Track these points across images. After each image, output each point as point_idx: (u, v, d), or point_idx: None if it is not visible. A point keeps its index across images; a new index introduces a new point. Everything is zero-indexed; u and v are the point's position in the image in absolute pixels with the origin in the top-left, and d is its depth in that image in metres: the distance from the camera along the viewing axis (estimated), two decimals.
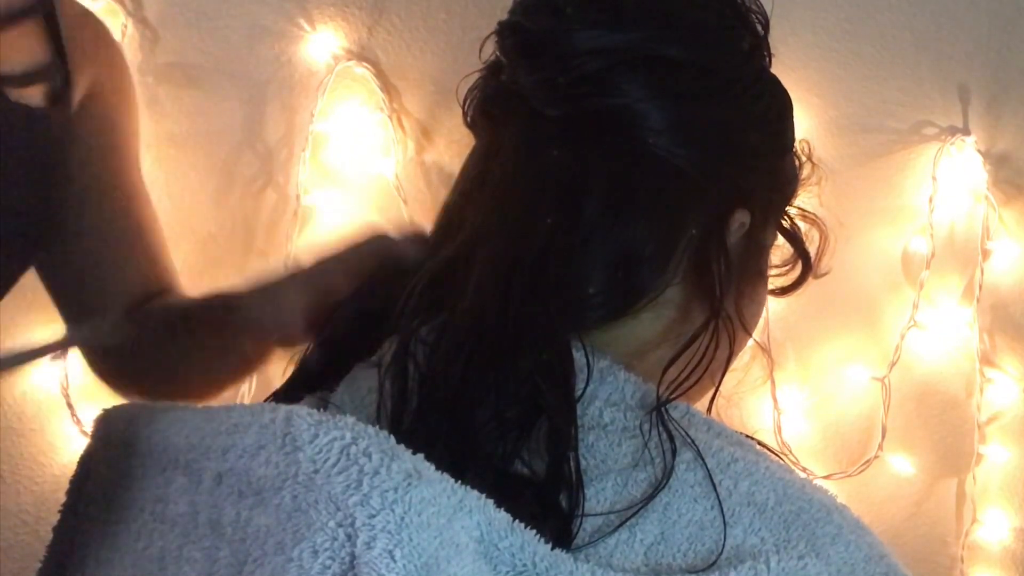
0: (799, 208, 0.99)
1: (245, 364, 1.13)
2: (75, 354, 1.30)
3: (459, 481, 0.76)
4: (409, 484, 0.73)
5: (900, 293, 1.46)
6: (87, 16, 1.13)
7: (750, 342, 0.99)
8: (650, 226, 0.88)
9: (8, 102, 0.98)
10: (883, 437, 1.44)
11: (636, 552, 0.82)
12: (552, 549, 0.78)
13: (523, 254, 0.86)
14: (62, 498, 0.94)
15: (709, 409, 0.93)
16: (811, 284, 1.01)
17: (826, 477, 1.44)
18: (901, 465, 1.46)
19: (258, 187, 1.23)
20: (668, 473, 0.84)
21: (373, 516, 0.72)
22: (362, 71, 1.41)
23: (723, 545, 0.82)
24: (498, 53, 0.93)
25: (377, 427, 0.77)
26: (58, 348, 1.09)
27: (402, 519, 0.72)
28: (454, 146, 1.39)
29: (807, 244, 0.99)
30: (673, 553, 0.82)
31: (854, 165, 1.45)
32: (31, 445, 1.40)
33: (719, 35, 0.92)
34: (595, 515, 0.82)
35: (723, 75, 0.91)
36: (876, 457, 1.44)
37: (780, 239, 0.98)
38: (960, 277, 1.46)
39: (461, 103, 0.96)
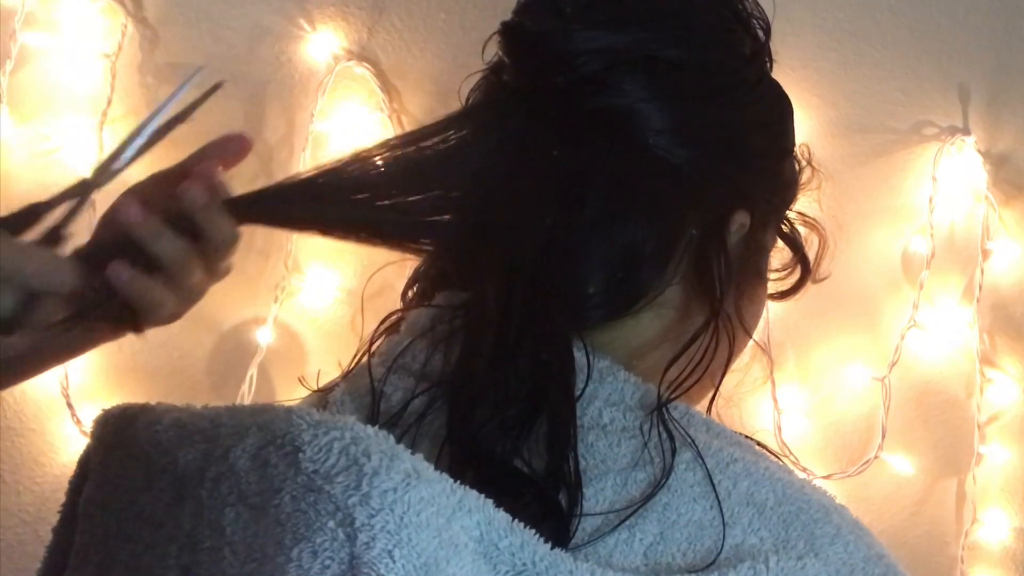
0: (799, 212, 0.99)
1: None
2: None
3: (459, 481, 0.77)
4: (408, 484, 0.73)
5: (900, 293, 1.45)
6: None
7: (750, 342, 0.99)
8: (650, 226, 0.88)
9: None
10: (883, 437, 1.44)
11: (635, 552, 0.82)
12: (551, 548, 0.78)
13: (523, 254, 0.86)
14: (62, 498, 0.94)
15: (709, 409, 0.93)
16: (811, 286, 1.01)
17: (826, 477, 1.43)
18: (901, 465, 1.46)
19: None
20: (667, 473, 0.84)
21: (372, 516, 0.72)
22: (362, 71, 1.41)
23: (722, 545, 0.82)
24: (500, 53, 0.93)
25: (376, 427, 0.77)
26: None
27: (401, 519, 0.72)
28: None
29: (806, 248, 0.99)
30: (672, 553, 0.82)
31: (854, 165, 1.45)
32: (31, 445, 1.40)
33: (720, 37, 0.92)
34: (594, 515, 0.82)
35: (724, 76, 0.91)
36: (876, 457, 1.44)
37: (780, 243, 0.98)
38: (960, 277, 1.45)
39: (463, 102, 0.96)
